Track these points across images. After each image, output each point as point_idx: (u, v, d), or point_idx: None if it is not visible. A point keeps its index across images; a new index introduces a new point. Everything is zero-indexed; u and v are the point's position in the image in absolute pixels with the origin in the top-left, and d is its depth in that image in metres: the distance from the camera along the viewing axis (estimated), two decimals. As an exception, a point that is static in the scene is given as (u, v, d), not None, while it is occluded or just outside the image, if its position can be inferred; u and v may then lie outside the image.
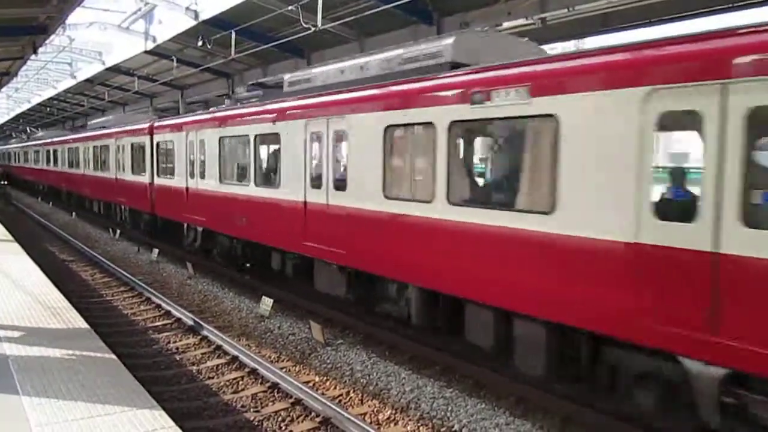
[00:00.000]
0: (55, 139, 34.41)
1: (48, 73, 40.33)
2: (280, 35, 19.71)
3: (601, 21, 14.60)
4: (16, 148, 51.60)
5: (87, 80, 36.15)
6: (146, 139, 18.02)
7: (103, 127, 24.62)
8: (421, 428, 6.64)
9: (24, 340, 6.40)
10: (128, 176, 19.87)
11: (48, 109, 51.81)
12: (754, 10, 12.57)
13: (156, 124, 17.81)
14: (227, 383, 7.89)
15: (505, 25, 15.15)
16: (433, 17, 16.20)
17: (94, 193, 25.15)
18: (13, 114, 62.63)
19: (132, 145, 19.49)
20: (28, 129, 58.60)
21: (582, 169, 6.07)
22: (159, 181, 17.29)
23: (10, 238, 14.53)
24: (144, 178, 18.19)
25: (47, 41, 20.70)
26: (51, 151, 34.53)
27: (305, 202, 10.30)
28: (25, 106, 54.85)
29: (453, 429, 6.61)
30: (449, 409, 7.03)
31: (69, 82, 38.94)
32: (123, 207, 21.24)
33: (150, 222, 18.66)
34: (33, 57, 22.31)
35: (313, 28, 16.06)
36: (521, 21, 14.50)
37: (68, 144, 30.23)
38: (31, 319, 7.25)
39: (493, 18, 14.98)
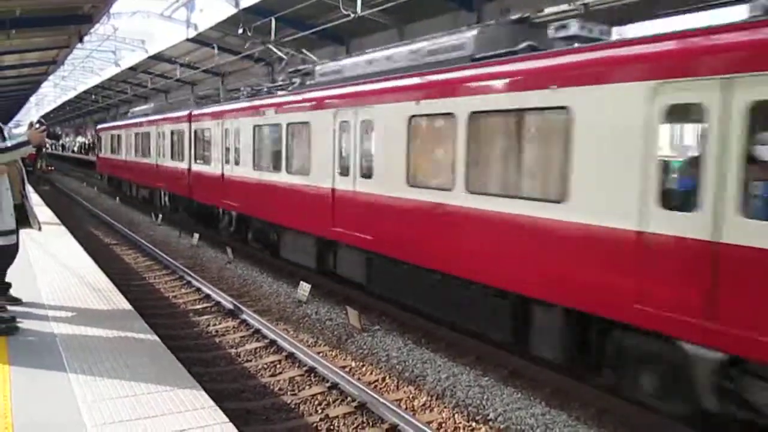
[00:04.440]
0: (100, 126, 35.16)
1: (93, 62, 41.24)
2: (320, 23, 19.75)
3: (646, 6, 14.21)
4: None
5: (130, 68, 36.85)
6: (185, 127, 18.78)
7: (145, 115, 25.41)
8: (456, 416, 6.64)
9: (71, 319, 6.59)
10: (168, 162, 20.69)
11: (93, 96, 53.01)
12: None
13: (194, 112, 18.50)
14: (265, 366, 8.01)
15: (546, 11, 14.88)
16: (473, 3, 16.01)
17: (137, 179, 25.48)
18: (60, 101, 64.28)
19: (172, 132, 20.31)
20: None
21: None
22: (196, 167, 17.98)
23: (57, 221, 14.94)
24: (182, 164, 18.95)
25: (92, 30, 21.17)
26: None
27: (333, 189, 10.63)
28: (71, 94, 56.23)
29: (488, 417, 6.59)
30: (485, 397, 7.01)
31: (113, 70, 39.76)
32: (163, 192, 21.78)
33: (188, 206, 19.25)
34: (79, 46, 22.87)
35: (352, 15, 16.04)
36: (563, 6, 14.22)
37: (111, 131, 30.74)
38: (77, 299, 7.46)
39: (533, 3, 14.72)
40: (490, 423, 6.49)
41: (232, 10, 20.68)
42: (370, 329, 9.35)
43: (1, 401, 4.51)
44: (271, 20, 19.38)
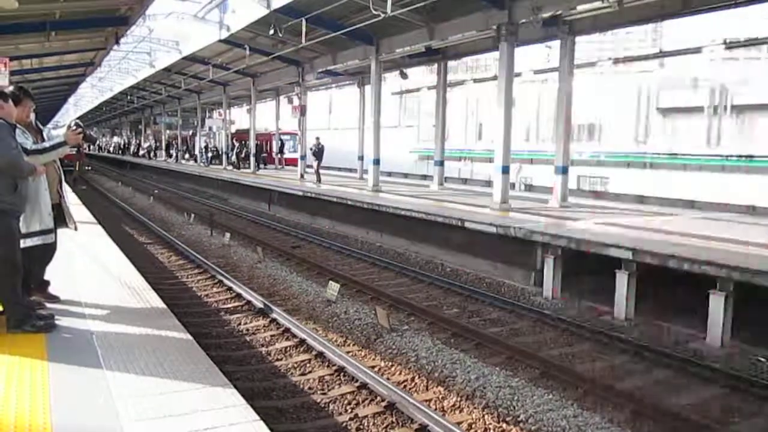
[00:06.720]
0: None
1: (129, 63, 41.95)
2: (350, 23, 19.79)
3: (682, 2, 13.93)
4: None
5: (165, 69, 37.39)
6: None
7: None
8: (486, 416, 6.61)
9: (106, 317, 6.71)
10: None
11: (128, 97, 54.01)
12: None
13: None
14: (295, 365, 8.07)
15: (579, 8, 14.68)
16: (504, 1, 15.87)
17: None
18: (97, 102, 65.58)
19: None
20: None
21: None
22: None
23: (94, 220, 15.24)
24: None
25: (128, 32, 21.59)
26: None
27: None
28: (108, 95, 57.33)
29: (519, 419, 6.54)
30: (515, 398, 6.96)
31: (148, 71, 40.40)
32: None
33: None
34: (115, 47, 23.34)
35: (382, 15, 16.04)
36: (597, 4, 14.01)
37: None
38: (112, 297, 7.58)
39: (566, 1, 14.55)
40: (521, 424, 6.44)
41: (264, 11, 20.82)
42: (399, 329, 9.35)
43: (40, 397, 4.62)
44: (301, 21, 19.49)
